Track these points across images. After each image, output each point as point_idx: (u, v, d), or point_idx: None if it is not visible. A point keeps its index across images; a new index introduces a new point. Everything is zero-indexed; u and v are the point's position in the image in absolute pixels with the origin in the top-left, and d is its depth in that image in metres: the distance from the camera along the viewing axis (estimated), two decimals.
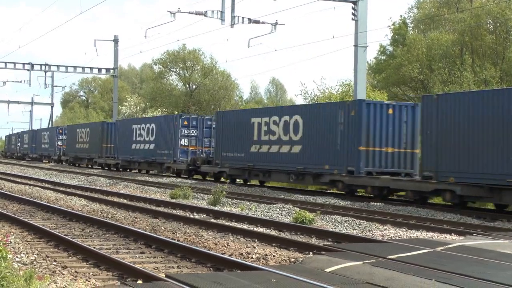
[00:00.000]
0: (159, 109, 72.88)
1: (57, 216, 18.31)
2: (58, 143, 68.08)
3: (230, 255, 11.94)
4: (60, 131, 68.56)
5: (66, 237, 13.55)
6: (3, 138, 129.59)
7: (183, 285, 8.76)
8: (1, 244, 8.94)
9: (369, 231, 16.11)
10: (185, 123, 41.41)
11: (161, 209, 20.51)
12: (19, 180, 35.37)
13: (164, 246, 12.78)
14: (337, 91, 46.14)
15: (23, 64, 60.58)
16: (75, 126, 65.84)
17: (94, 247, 12.39)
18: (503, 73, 42.56)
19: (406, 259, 10.93)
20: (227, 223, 16.82)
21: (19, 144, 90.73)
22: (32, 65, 60.92)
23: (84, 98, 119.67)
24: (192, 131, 41.42)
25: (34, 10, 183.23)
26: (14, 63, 60.34)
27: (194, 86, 74.12)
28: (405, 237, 14.94)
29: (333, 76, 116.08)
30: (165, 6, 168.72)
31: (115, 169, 50.95)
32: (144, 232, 14.45)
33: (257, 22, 34.88)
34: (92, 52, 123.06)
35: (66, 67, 62.11)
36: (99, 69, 63.18)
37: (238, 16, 33.70)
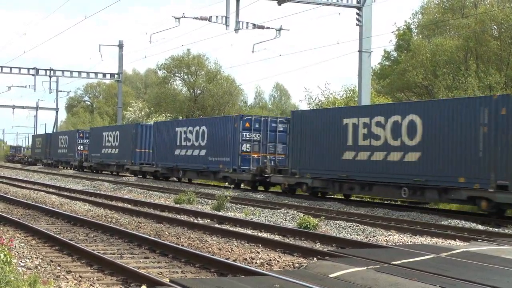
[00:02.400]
0: (163, 114, 72.96)
1: (61, 221, 18.34)
2: (245, 147, 35.28)
3: (234, 260, 11.94)
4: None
5: (71, 241, 13.57)
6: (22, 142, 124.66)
7: None
8: (6, 248, 8.95)
9: (373, 236, 16.10)
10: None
11: (165, 214, 20.52)
12: (23, 184, 35.42)
13: (168, 251, 12.78)
14: (342, 96, 46.17)
15: (28, 69, 60.79)
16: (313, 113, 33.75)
17: (98, 252, 12.40)
18: (507, 78, 42.50)
19: (410, 264, 10.91)
20: (231, 228, 16.82)
21: (80, 147, 61.59)
22: (37, 70, 61.11)
23: (88, 103, 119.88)
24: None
25: (39, 15, 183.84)
26: (19, 68, 60.53)
27: (198, 91, 74.22)
28: (409, 243, 14.93)
29: (338, 82, 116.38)
30: (170, 11, 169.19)
31: None
32: (148, 237, 14.46)
33: (261, 27, 34.91)
34: (96, 57, 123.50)
35: (71, 72, 62.31)
36: (104, 74, 63.33)
37: (242, 22, 33.74)
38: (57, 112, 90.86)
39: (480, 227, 19.06)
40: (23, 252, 12.46)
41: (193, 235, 15.55)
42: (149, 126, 48.75)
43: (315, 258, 12.08)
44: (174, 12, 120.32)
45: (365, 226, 17.73)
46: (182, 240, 14.64)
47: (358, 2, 32.79)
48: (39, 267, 11.12)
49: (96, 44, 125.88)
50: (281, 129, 34.84)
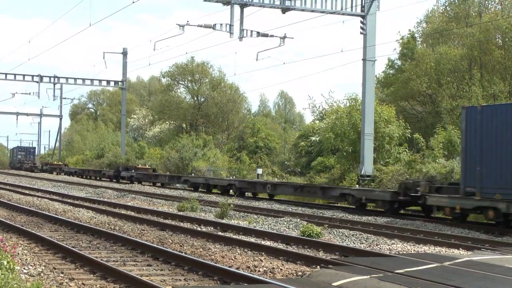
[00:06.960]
0: (166, 122, 72.95)
1: (64, 228, 18.34)
2: None
3: (237, 268, 11.92)
4: None
5: (74, 249, 13.58)
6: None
7: None
8: (9, 255, 8.96)
9: (377, 245, 16.07)
10: None
11: (168, 221, 20.51)
12: (27, 191, 35.44)
13: (171, 258, 12.77)
14: (345, 104, 46.12)
15: (32, 76, 60.96)
16: None
17: (101, 259, 12.40)
18: None
19: (414, 273, 10.89)
20: (234, 236, 16.80)
21: None
22: (41, 77, 61.25)
23: (92, 110, 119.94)
24: None
25: (43, 22, 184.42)
26: (23, 75, 60.70)
27: (202, 99, 74.21)
28: (412, 252, 14.89)
29: (342, 90, 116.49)
30: (175, 19, 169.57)
31: None
32: (152, 244, 14.45)
33: (265, 35, 34.96)
34: (101, 64, 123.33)
35: (75, 79, 62.40)
36: (108, 81, 63.42)
37: (246, 29, 33.79)
38: (61, 119, 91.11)
39: (483, 236, 19.02)
40: (26, 259, 12.46)
41: (196, 242, 15.54)
42: None
43: (318, 267, 12.07)
44: (179, 20, 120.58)
45: (368, 235, 17.70)
46: (185, 247, 14.63)
47: (362, 11, 32.84)
48: (42, 274, 11.12)
49: (100, 52, 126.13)
50: None
